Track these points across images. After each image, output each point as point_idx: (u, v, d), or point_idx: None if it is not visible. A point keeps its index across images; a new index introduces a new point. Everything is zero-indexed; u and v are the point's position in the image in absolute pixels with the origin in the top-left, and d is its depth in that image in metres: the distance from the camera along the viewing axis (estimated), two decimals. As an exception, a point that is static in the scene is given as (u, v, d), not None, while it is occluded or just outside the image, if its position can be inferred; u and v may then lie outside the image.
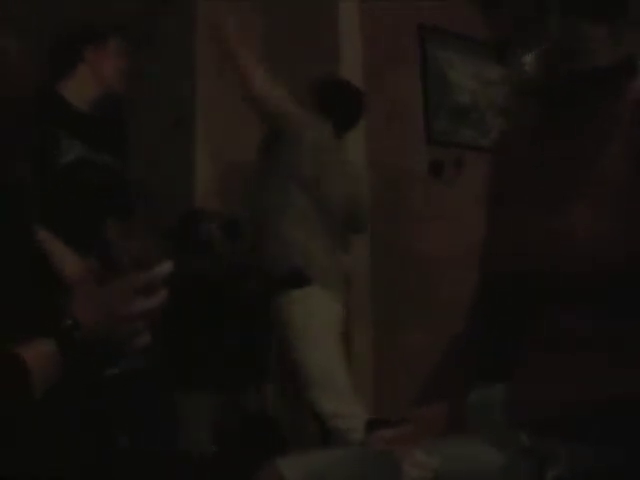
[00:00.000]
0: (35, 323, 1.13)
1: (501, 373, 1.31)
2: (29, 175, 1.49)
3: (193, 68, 3.55)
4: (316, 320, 2.79)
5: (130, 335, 1.17)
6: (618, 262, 1.09)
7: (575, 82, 1.19)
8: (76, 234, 1.33)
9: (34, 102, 1.55)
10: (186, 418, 2.75)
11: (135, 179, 2.75)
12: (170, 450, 2.45)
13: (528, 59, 1.17)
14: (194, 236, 2.84)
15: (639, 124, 1.13)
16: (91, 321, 1.12)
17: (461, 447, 1.17)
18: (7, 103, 1.38)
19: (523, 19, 1.16)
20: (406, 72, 3.79)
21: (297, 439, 3.09)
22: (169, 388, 2.60)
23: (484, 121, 3.63)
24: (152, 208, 2.90)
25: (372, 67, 3.67)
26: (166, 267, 1.19)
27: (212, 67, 3.47)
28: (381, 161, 3.68)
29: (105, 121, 2.64)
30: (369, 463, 1.15)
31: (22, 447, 1.16)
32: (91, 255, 1.22)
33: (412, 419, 1.30)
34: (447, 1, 3.69)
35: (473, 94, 3.73)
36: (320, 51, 3.64)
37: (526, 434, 1.15)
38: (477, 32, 1.31)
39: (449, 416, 1.28)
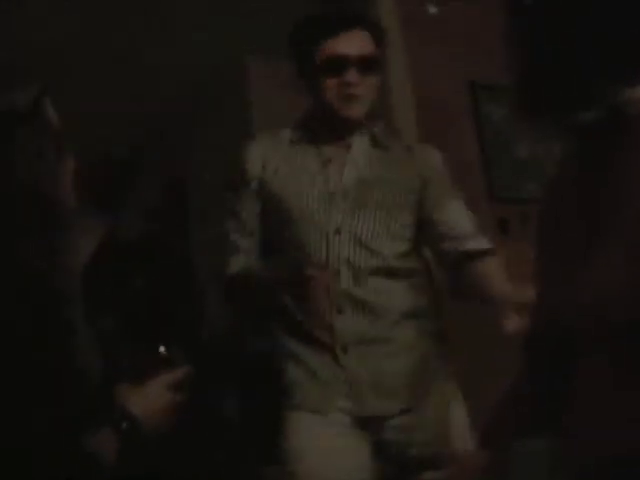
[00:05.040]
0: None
1: (550, 422, 1.32)
2: None
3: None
4: None
5: (165, 426, 1.52)
6: None
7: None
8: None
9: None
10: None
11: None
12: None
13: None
14: None
15: None
16: (141, 413, 1.46)
17: None
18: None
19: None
20: (462, 131, 3.66)
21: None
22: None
23: (543, 172, 3.68)
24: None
25: (428, 127, 3.49)
26: (187, 370, 1.59)
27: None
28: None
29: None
30: None
31: None
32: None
33: (461, 460, 1.43)
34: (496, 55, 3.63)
35: (530, 146, 3.75)
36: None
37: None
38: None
39: (495, 463, 1.32)
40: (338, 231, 2.26)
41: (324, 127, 2.38)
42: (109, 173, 3.85)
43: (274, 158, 2.36)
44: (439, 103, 3.62)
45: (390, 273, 2.28)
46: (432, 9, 3.74)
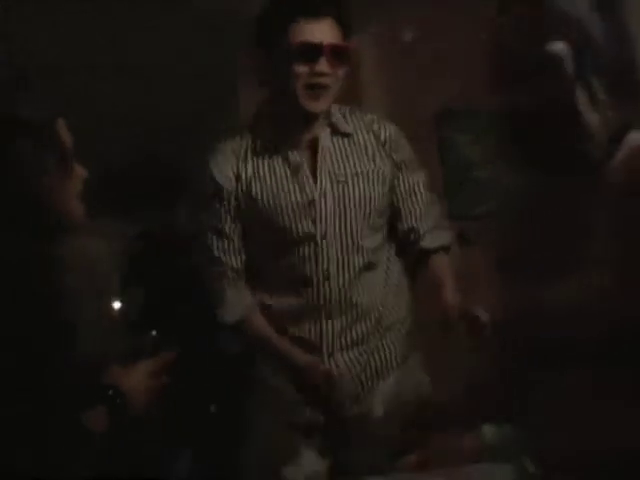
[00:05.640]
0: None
1: (514, 412, 1.39)
2: None
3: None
4: None
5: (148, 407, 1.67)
6: (607, 330, 1.15)
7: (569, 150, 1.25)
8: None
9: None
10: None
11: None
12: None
13: None
14: None
15: (625, 196, 1.18)
16: (131, 391, 1.63)
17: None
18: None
19: None
20: (426, 154, 3.89)
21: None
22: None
23: (501, 193, 3.89)
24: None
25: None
26: (171, 356, 1.71)
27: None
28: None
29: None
30: None
31: None
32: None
33: (432, 447, 1.47)
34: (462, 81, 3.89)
35: (490, 169, 3.97)
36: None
37: (533, 463, 1.28)
38: (492, 105, 1.42)
39: (465, 446, 1.40)
40: (324, 236, 2.25)
41: (283, 123, 2.30)
42: (121, 180, 3.93)
43: (244, 170, 2.30)
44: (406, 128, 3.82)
45: (369, 267, 2.31)
46: (407, 36, 3.93)
